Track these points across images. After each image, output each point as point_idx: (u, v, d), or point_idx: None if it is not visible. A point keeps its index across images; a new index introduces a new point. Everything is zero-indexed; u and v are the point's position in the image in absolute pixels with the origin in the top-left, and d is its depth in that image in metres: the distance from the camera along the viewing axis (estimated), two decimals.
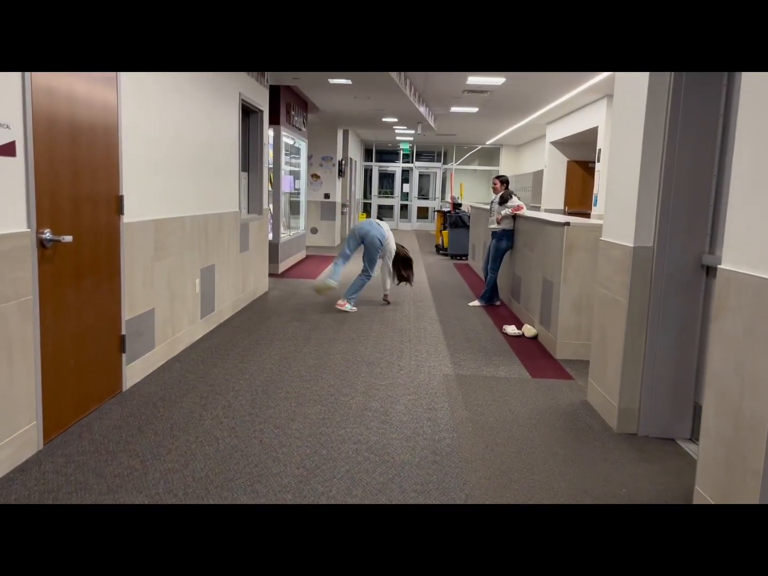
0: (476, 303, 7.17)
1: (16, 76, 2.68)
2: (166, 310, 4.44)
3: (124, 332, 3.78)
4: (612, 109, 3.83)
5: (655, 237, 3.30)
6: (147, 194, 4.07)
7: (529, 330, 5.68)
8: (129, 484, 2.67)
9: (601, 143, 9.90)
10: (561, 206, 12.77)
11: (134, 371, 3.95)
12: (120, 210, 3.68)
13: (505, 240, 6.96)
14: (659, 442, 3.36)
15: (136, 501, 2.54)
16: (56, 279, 3.06)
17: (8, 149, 2.65)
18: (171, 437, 3.18)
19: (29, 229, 2.82)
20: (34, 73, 2.79)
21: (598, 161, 9.98)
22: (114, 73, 3.53)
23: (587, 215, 10.57)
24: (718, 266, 2.44)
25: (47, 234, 2.93)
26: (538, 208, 13.32)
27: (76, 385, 3.29)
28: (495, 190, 7.24)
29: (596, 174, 10.15)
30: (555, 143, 12.99)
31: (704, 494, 2.49)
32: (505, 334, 5.73)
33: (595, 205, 10.15)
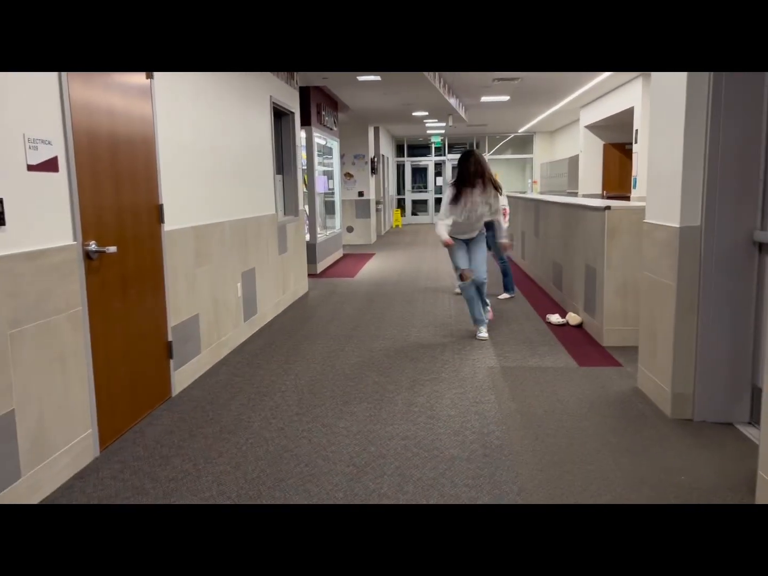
0: (505, 295, 7.03)
1: (54, 93, 2.75)
2: (210, 315, 4.50)
3: (170, 339, 3.84)
4: (650, 87, 3.72)
5: (702, 215, 3.19)
6: (186, 202, 4.13)
7: (573, 318, 5.58)
8: (183, 488, 2.71)
9: (638, 124, 9.65)
10: (599, 191, 12.51)
11: (182, 376, 4.02)
12: (161, 218, 3.74)
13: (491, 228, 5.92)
14: (716, 426, 3.25)
15: (191, 503, 2.58)
16: (103, 289, 3.13)
17: (51, 165, 2.71)
18: (221, 440, 3.22)
19: (75, 242, 2.89)
20: (72, 89, 2.85)
21: (636, 142, 9.74)
22: (149, 85, 3.59)
23: (627, 198, 10.33)
24: None
25: (93, 246, 3.00)
26: (575, 194, 13.09)
27: (127, 393, 3.36)
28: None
29: (634, 156, 9.90)
30: (590, 127, 12.72)
31: None
32: (549, 323, 5.63)
33: (635, 187, 9.90)
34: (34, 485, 2.58)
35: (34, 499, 2.58)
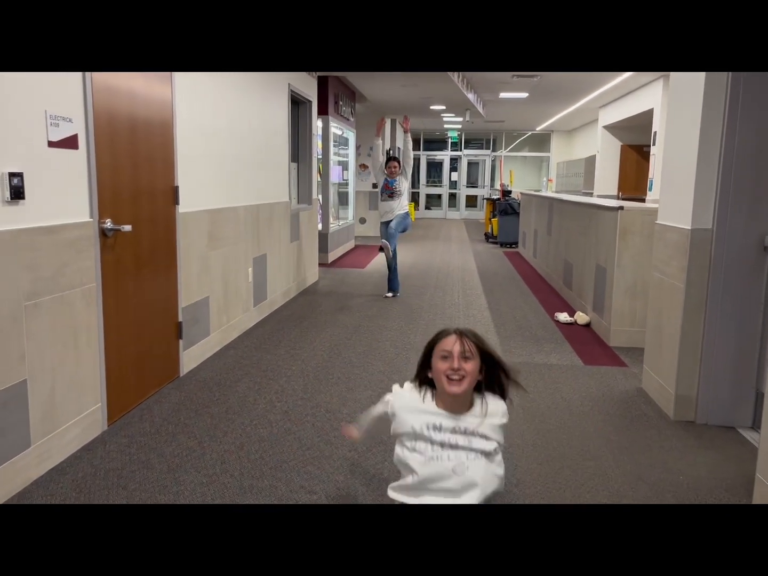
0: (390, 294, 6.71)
1: (77, 73, 2.79)
2: (221, 298, 4.56)
3: (181, 319, 3.90)
4: (669, 89, 3.71)
5: (714, 218, 3.19)
6: (201, 185, 4.18)
7: (581, 317, 5.58)
8: (188, 464, 2.77)
9: (656, 126, 9.60)
10: (614, 192, 12.45)
11: (190, 357, 4.08)
12: (176, 200, 3.79)
13: None
14: (719, 429, 3.26)
15: (195, 480, 2.63)
16: (117, 267, 3.18)
17: (71, 142, 2.76)
18: (227, 420, 3.28)
19: (92, 219, 2.94)
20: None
21: (654, 144, 9.68)
22: None
23: (642, 200, 10.28)
24: None
25: (108, 223, 3.05)
26: (590, 194, 13.04)
27: (136, 370, 3.42)
28: (395, 173, 6.55)
29: (651, 158, 9.85)
30: (608, 127, 12.66)
31: (766, 482, 2.41)
32: (557, 322, 5.64)
33: (650, 189, 9.85)
34: (43, 454, 2.64)
35: (44, 468, 2.64)
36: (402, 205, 6.62)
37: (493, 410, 1.89)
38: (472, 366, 1.82)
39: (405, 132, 6.58)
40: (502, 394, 1.96)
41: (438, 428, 1.84)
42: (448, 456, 1.82)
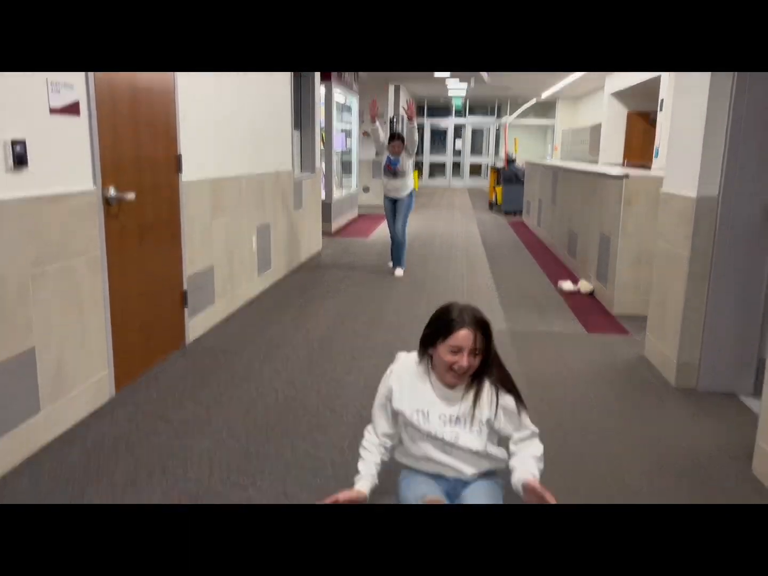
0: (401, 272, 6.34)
1: None
2: (225, 267, 4.56)
3: (185, 288, 3.91)
4: None
5: (720, 186, 3.17)
6: (204, 154, 4.15)
7: (585, 285, 5.58)
8: (194, 430, 2.81)
9: (664, 93, 9.44)
10: (620, 159, 12.32)
11: (196, 325, 4.10)
12: (179, 169, 3.77)
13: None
14: (720, 396, 3.29)
15: (202, 445, 2.67)
16: (121, 235, 3.18)
17: (73, 108, 2.74)
18: (232, 387, 3.31)
19: (95, 187, 2.93)
20: None
21: (661, 111, 9.54)
22: None
23: (648, 168, 10.17)
24: None
25: (112, 191, 3.04)
26: (596, 162, 12.91)
27: (142, 337, 3.45)
28: (398, 151, 6.10)
29: (658, 125, 9.71)
30: (615, 94, 12.46)
31: (766, 449, 2.44)
32: (561, 290, 5.65)
33: (656, 157, 9.74)
34: (52, 420, 2.68)
35: (53, 434, 2.69)
36: (407, 184, 6.22)
37: (486, 398, 1.91)
38: (478, 360, 1.84)
39: (409, 119, 6.08)
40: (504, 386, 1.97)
41: (426, 416, 1.86)
42: (434, 446, 1.88)
